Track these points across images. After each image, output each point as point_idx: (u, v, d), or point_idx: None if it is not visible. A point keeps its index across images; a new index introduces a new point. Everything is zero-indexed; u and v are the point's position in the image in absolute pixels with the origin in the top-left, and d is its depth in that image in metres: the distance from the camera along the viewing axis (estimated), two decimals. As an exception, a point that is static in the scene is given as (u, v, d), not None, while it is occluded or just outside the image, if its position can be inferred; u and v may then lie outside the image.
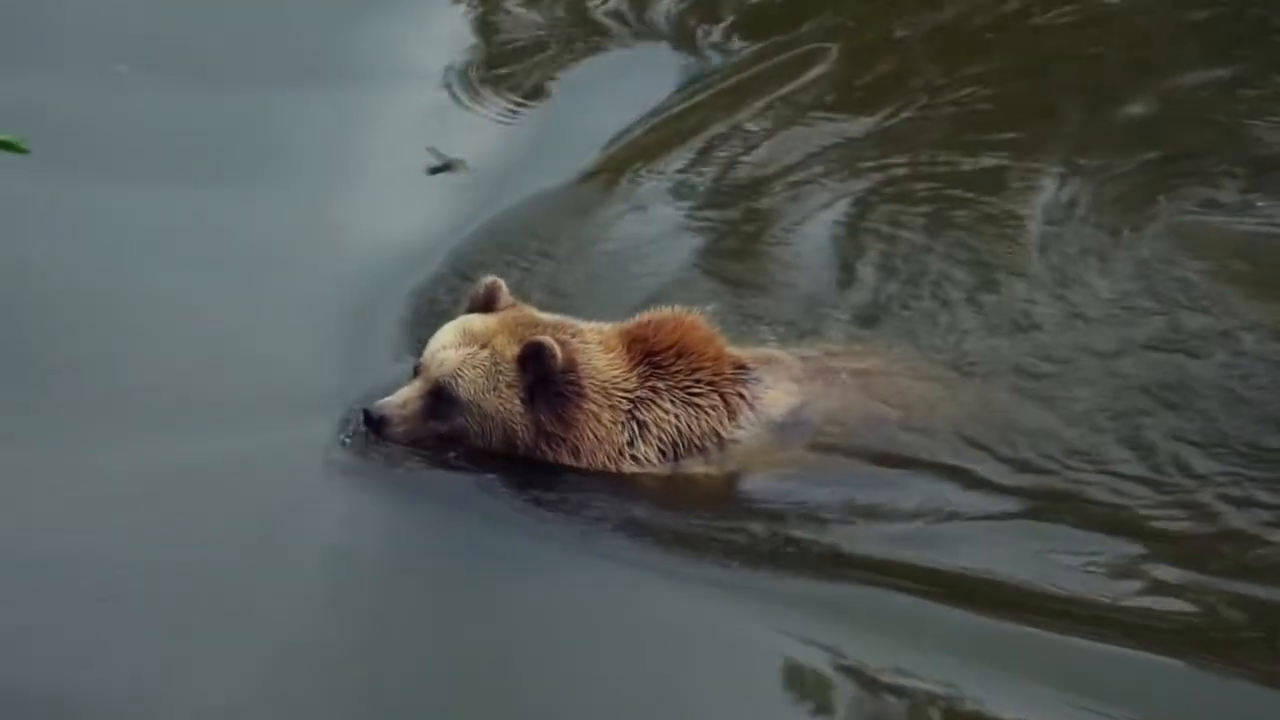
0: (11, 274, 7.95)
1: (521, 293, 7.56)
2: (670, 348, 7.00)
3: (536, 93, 9.95)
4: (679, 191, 9.09)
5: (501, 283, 7.06)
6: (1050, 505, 6.98)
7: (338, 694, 6.12)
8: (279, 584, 6.53)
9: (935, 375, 7.41)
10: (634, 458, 6.96)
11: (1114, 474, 7.07)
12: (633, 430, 6.92)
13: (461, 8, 10.68)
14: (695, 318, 7.11)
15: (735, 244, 8.67)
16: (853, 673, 6.25)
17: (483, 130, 9.54)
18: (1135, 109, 9.57)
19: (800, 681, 6.23)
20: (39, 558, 6.53)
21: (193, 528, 6.73)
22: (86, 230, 8.39)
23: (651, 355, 6.99)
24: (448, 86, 9.88)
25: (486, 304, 7.03)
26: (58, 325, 7.74)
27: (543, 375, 6.78)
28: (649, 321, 7.08)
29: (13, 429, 7.14)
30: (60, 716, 6.00)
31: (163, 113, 9.38)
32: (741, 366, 7.11)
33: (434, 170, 9.02)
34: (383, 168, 9.18)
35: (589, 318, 7.31)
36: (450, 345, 6.84)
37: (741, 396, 7.03)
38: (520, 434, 6.84)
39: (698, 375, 7.01)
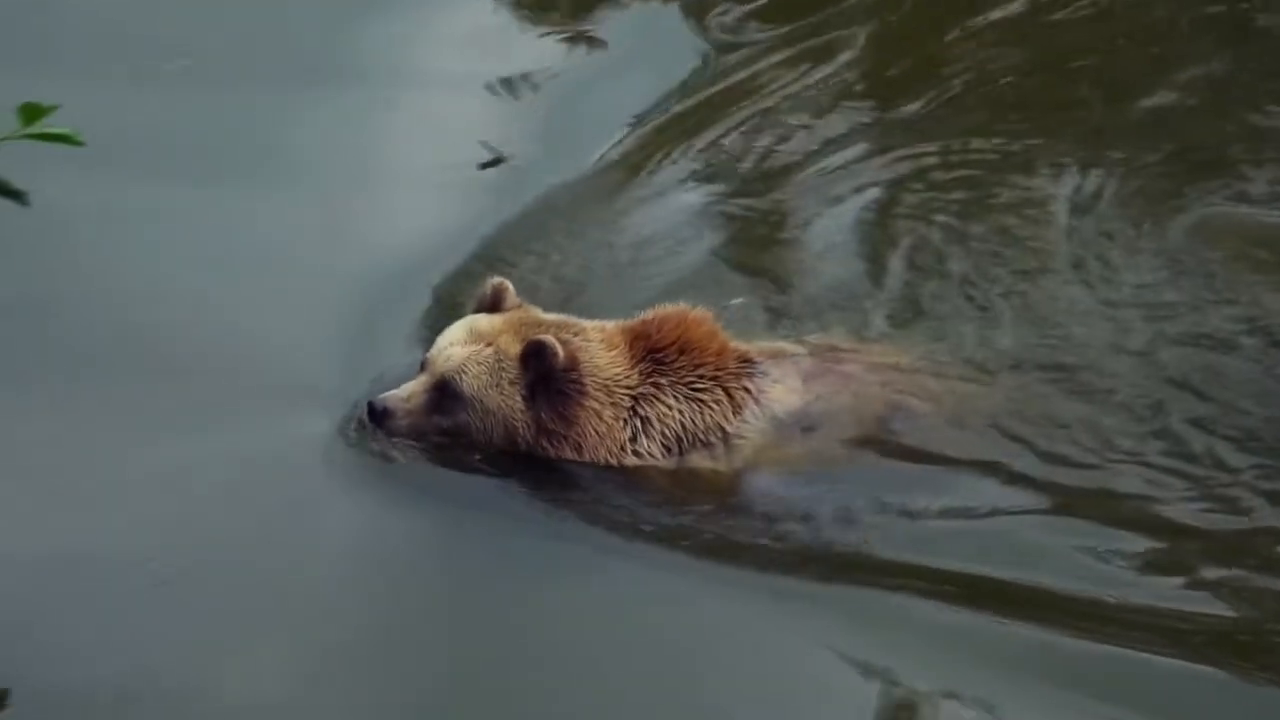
0: (32, 272, 7.98)
1: (548, 285, 7.77)
2: (672, 344, 7.06)
3: (554, 83, 9.87)
4: (700, 182, 9.02)
5: (508, 284, 7.16)
6: (1077, 502, 6.89)
7: (352, 691, 6.13)
8: (290, 583, 6.56)
9: (956, 370, 7.37)
10: (637, 453, 7.02)
11: (1144, 467, 6.98)
12: (635, 427, 7.00)
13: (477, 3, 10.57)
14: (699, 313, 7.15)
15: (764, 233, 8.62)
16: (862, 671, 6.24)
17: (506, 122, 9.47)
18: (1157, 101, 9.45)
19: (810, 680, 6.23)
20: (53, 553, 6.56)
21: (210, 523, 6.78)
22: (113, 229, 8.41)
23: (654, 352, 7.06)
24: (469, 82, 9.80)
25: (493, 305, 7.15)
26: (88, 321, 7.80)
27: (544, 373, 6.88)
28: (652, 318, 7.15)
29: (29, 424, 7.16)
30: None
31: (184, 112, 9.35)
32: (747, 361, 7.14)
33: (485, 165, 9.04)
34: (407, 165, 9.14)
35: (610, 309, 7.39)
36: (457, 342, 6.96)
37: (747, 391, 7.07)
38: (521, 430, 6.94)
39: (700, 370, 7.07)
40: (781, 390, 7.08)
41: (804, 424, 7.05)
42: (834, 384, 7.14)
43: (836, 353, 7.30)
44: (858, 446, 7.05)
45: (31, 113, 4.74)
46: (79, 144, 4.76)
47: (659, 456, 7.01)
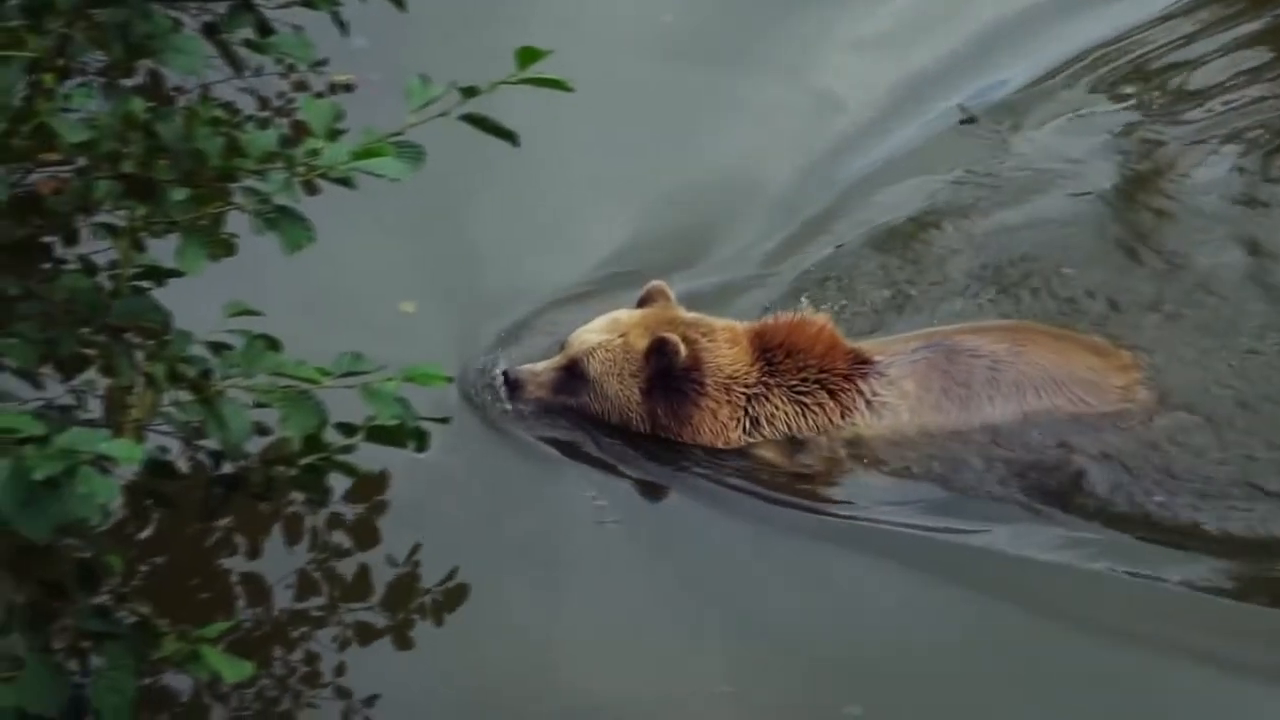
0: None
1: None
2: (780, 345, 7.35)
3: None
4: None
5: (665, 287, 7.53)
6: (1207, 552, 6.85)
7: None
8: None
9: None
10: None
11: None
12: (747, 425, 7.31)
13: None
14: (811, 317, 7.41)
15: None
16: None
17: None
18: None
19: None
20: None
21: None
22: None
23: (766, 352, 7.36)
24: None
25: (644, 303, 7.55)
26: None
27: (664, 370, 7.25)
28: (771, 320, 7.47)
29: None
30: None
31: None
32: (863, 361, 7.33)
33: (962, 123, 9.16)
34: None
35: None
36: (595, 330, 7.41)
37: (858, 392, 7.28)
38: (635, 421, 7.34)
39: (804, 374, 7.32)
40: (895, 393, 7.26)
41: (912, 425, 7.23)
42: (952, 381, 7.25)
43: (979, 342, 7.33)
44: (968, 450, 7.18)
45: (527, 56, 4.94)
46: (568, 90, 4.94)
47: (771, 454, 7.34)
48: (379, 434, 5.15)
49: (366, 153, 4.75)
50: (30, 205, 4.90)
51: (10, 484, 4.21)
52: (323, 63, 8.06)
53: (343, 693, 6.23)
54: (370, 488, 6.82)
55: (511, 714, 6.31)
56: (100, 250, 5.08)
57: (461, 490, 7.15)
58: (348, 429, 5.20)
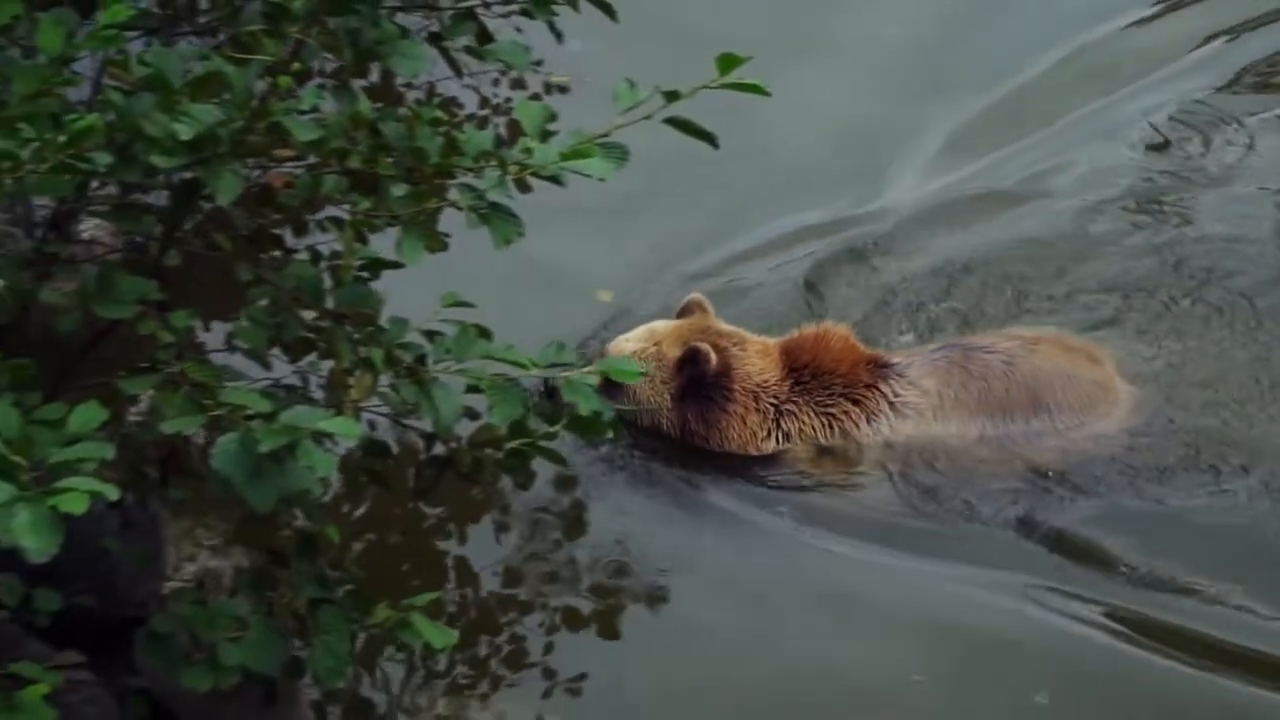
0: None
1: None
2: (806, 366, 7.57)
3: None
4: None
5: (703, 299, 7.75)
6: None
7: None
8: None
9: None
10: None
11: None
12: (779, 437, 7.52)
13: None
14: (835, 331, 7.60)
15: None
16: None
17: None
18: None
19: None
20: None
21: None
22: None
23: (795, 370, 7.57)
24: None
25: (683, 315, 7.75)
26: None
27: (696, 378, 7.47)
28: (797, 336, 7.65)
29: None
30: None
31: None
32: (884, 366, 7.55)
33: (1152, 147, 9.14)
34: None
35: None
36: (632, 339, 7.65)
37: (881, 395, 7.50)
38: (665, 426, 7.55)
39: (830, 391, 7.54)
40: (916, 392, 7.46)
41: (933, 421, 7.43)
42: (969, 376, 7.45)
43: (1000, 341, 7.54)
44: (989, 443, 7.37)
45: (728, 62, 5.10)
46: (766, 94, 5.09)
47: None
48: (577, 424, 5.36)
49: (575, 153, 4.97)
50: (263, 198, 5.20)
51: (239, 456, 4.52)
52: (539, 63, 8.33)
53: (546, 676, 6.50)
54: (571, 481, 7.11)
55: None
56: (324, 241, 5.36)
57: (654, 488, 7.45)
58: (550, 418, 5.41)
